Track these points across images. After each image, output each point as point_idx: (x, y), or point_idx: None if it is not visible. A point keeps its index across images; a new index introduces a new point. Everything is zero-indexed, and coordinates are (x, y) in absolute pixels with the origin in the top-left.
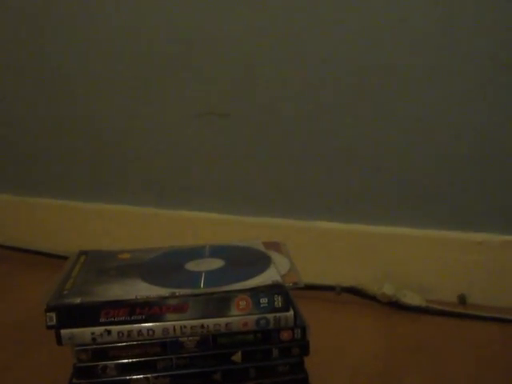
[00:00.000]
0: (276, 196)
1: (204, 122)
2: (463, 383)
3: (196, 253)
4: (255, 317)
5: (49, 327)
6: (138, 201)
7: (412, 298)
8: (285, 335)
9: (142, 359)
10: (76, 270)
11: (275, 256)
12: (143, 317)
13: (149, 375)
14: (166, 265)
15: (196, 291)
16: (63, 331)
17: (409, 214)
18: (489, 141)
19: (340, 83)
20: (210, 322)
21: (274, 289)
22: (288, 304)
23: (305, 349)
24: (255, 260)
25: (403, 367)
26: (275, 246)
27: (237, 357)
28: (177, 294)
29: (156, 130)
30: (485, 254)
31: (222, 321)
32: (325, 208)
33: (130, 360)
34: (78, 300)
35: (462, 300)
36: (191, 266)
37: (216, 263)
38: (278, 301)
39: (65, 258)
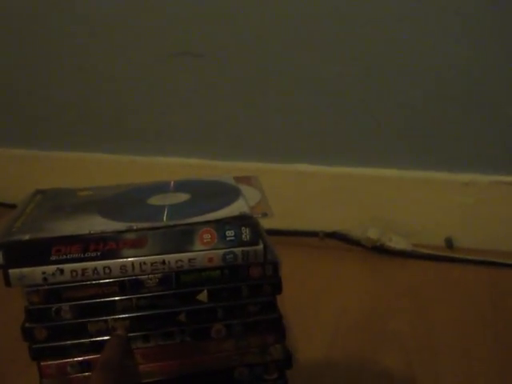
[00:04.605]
0: (254, 139)
1: (178, 63)
2: (449, 326)
3: (160, 188)
4: (221, 251)
5: None
6: (113, 148)
7: (397, 242)
8: (254, 272)
9: (99, 300)
10: (30, 208)
11: (245, 189)
12: (98, 253)
13: (107, 317)
14: (127, 200)
15: (155, 224)
16: (12, 271)
17: (393, 155)
18: (475, 80)
19: (324, 21)
20: (171, 257)
21: (241, 220)
22: (257, 237)
23: (277, 287)
24: (223, 192)
25: (389, 311)
26: (246, 180)
27: (202, 296)
28: (134, 227)
29: (129, 72)
30: (472, 196)
31: (185, 256)
32: (306, 150)
33: (86, 301)
34: (26, 236)
35: (449, 243)
36: (154, 200)
37: (181, 197)
38: (246, 233)
39: None
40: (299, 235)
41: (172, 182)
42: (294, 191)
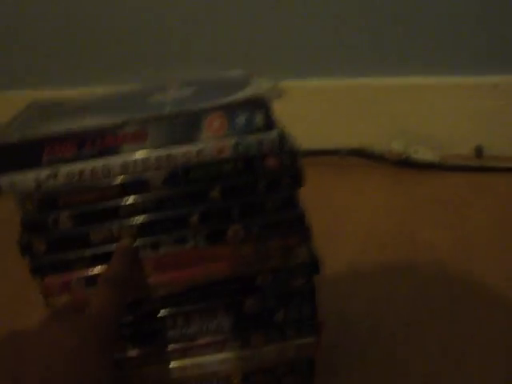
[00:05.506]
0: (261, 55)
1: None
2: (483, 233)
3: (163, 86)
4: (232, 140)
5: None
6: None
7: (424, 154)
8: (270, 163)
9: (100, 206)
10: (23, 116)
11: (256, 79)
12: (95, 151)
13: (111, 224)
14: (127, 99)
15: (157, 115)
16: (1, 178)
17: (416, 61)
18: None
19: None
20: (177, 151)
21: (253, 103)
22: (271, 122)
23: (296, 179)
24: (233, 82)
25: (418, 222)
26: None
27: (215, 193)
28: (135, 117)
29: None
30: (501, 98)
31: (192, 148)
32: (319, 62)
33: (86, 208)
34: (15, 138)
35: (479, 152)
36: (156, 97)
37: (186, 90)
38: (259, 118)
39: None
40: (319, 154)
41: (177, 79)
42: (308, 109)
